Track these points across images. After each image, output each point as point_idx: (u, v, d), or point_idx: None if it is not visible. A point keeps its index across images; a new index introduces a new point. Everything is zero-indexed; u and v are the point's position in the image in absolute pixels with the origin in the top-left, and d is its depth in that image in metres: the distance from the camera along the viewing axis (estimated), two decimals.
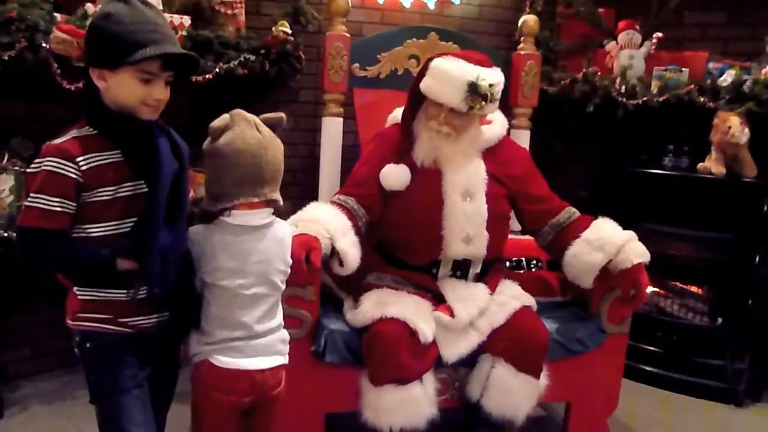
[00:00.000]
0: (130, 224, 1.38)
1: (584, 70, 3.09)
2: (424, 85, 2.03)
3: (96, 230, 1.37)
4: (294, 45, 2.90)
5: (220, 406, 1.47)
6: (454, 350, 1.98)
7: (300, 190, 3.21)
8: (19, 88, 2.41)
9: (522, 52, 2.72)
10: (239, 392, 1.47)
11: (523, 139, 2.72)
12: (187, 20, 2.66)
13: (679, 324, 2.99)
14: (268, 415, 1.56)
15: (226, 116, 1.50)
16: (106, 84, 1.36)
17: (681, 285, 3.10)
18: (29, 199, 1.33)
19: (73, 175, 1.32)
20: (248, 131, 1.47)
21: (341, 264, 1.96)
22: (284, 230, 1.57)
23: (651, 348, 2.97)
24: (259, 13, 3.16)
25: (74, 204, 1.34)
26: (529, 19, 2.72)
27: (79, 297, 1.41)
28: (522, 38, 2.75)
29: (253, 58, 2.74)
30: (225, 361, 1.46)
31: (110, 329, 1.40)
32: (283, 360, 1.56)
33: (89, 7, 2.40)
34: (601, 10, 3.30)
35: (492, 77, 1.98)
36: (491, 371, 1.99)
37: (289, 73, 2.95)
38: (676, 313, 3.05)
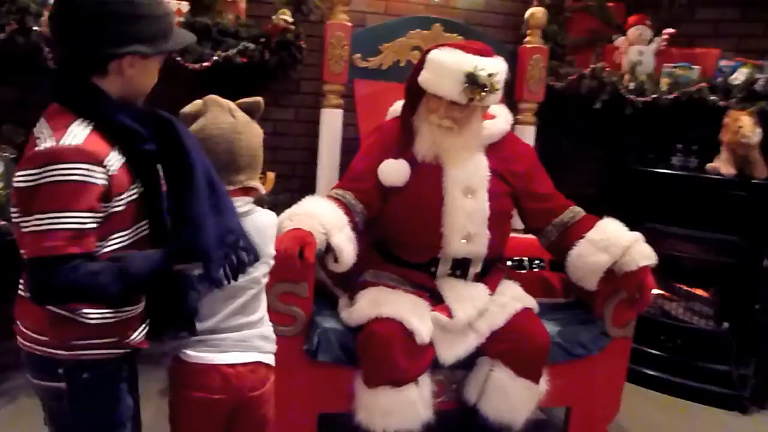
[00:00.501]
0: (145, 230, 1.23)
1: (592, 66, 3.02)
2: (422, 78, 1.96)
3: (110, 245, 1.18)
4: (295, 34, 2.83)
5: (191, 404, 1.40)
6: (451, 352, 1.92)
7: (299, 182, 3.15)
8: (10, 72, 2.36)
9: (528, 46, 2.65)
10: (209, 388, 1.39)
11: (528, 135, 2.65)
12: (185, 6, 2.60)
13: (684, 327, 2.92)
14: (255, 421, 1.47)
15: (198, 102, 1.45)
16: (132, 71, 1.18)
17: (687, 288, 3.04)
18: (62, 218, 1.07)
19: (102, 183, 1.11)
20: (221, 116, 1.41)
21: (336, 260, 1.90)
22: (266, 220, 1.49)
23: (654, 351, 2.90)
24: (261, 0, 3.09)
25: (101, 216, 1.13)
26: (536, 11, 2.65)
27: (91, 321, 1.19)
28: (528, 31, 2.67)
29: (252, 46, 2.68)
30: (193, 355, 1.39)
31: (114, 353, 1.24)
32: (263, 358, 1.47)
33: None
34: (610, 4, 3.23)
35: (491, 66, 1.91)
36: (489, 374, 1.93)
37: (289, 63, 2.89)
38: (681, 317, 2.98)
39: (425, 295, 2.02)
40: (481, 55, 1.92)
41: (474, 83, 1.87)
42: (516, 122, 2.66)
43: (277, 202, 2.63)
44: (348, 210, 1.99)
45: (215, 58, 2.56)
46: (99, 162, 1.11)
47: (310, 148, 3.14)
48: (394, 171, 2.01)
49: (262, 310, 1.50)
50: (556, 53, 3.17)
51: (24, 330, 1.22)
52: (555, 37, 3.19)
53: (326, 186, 2.40)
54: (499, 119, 2.17)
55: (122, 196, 1.17)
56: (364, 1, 3.21)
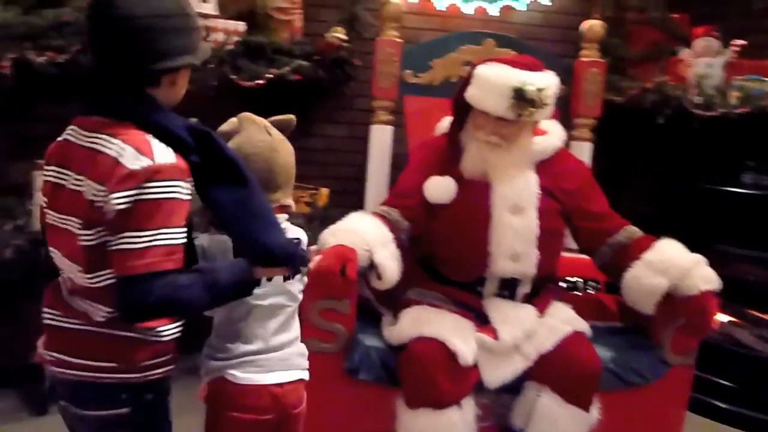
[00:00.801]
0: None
1: (655, 80, 2.90)
2: (469, 94, 1.93)
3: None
4: (348, 51, 2.86)
5: (240, 427, 1.39)
6: (496, 375, 1.86)
7: (352, 199, 3.15)
8: (74, 91, 2.46)
9: (584, 59, 2.57)
10: (260, 410, 1.38)
11: (584, 151, 2.56)
12: (242, 26, 2.66)
13: (755, 356, 2.73)
14: None
15: (233, 120, 1.44)
16: (182, 83, 1.21)
17: (757, 313, 2.84)
18: (159, 235, 1.08)
19: (188, 198, 1.13)
20: (257, 134, 1.41)
21: (379, 277, 1.87)
22: (299, 237, 1.48)
23: (722, 381, 2.72)
24: (318, 19, 3.13)
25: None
26: (593, 24, 2.56)
27: (164, 338, 1.20)
28: (585, 44, 2.59)
29: (305, 64, 2.71)
30: (242, 377, 1.37)
31: (171, 370, 1.25)
32: (303, 375, 1.47)
33: None
34: (674, 15, 3.09)
35: (540, 81, 1.85)
36: (537, 400, 1.85)
37: (343, 80, 2.92)
38: (751, 344, 2.79)
39: (470, 315, 1.96)
40: (530, 69, 1.87)
41: (521, 99, 1.82)
42: (571, 138, 2.59)
43: (329, 219, 2.65)
44: (393, 226, 1.96)
45: (268, 75, 2.61)
46: (188, 178, 1.13)
47: (362, 164, 3.14)
48: (440, 188, 1.98)
49: (297, 327, 1.50)
50: (617, 67, 3.06)
51: (80, 361, 1.18)
52: (615, 51, 3.08)
53: (375, 202, 2.39)
54: (551, 135, 2.10)
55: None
56: (420, 17, 3.21)
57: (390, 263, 1.87)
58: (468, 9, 3.15)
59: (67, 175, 1.15)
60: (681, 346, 2.01)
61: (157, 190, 1.08)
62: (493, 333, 1.89)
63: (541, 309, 1.99)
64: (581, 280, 2.33)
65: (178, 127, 1.16)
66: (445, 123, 2.17)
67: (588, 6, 3.14)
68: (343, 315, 1.88)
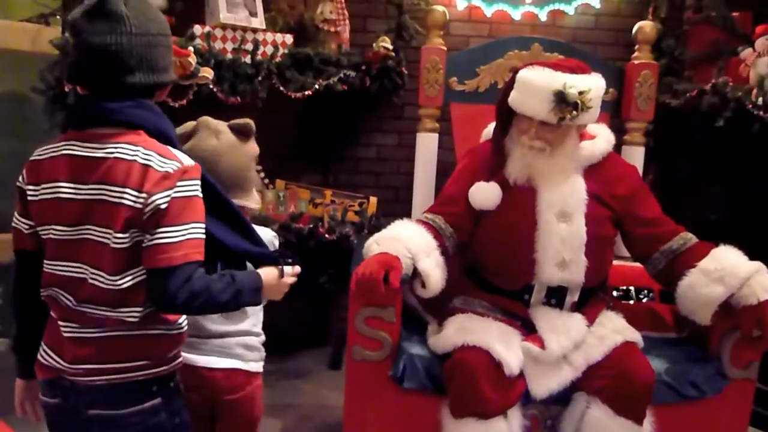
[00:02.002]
0: None
1: (714, 81, 2.78)
2: (512, 99, 1.90)
3: None
4: (396, 60, 2.87)
5: None
6: (543, 385, 1.81)
7: (402, 208, 3.16)
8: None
9: (636, 62, 2.50)
10: (184, 387, 1.40)
11: (636, 156, 2.49)
12: (289, 38, 2.72)
13: None
14: (237, 421, 1.58)
15: (190, 124, 1.52)
16: (160, 97, 1.30)
17: None
18: (191, 229, 1.18)
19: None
20: (206, 140, 1.49)
21: (424, 285, 1.86)
22: (263, 236, 1.50)
23: None
24: (365, 30, 3.17)
25: None
26: (644, 25, 2.49)
27: (182, 329, 1.33)
28: (637, 46, 2.52)
29: (352, 74, 2.74)
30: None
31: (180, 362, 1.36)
32: (243, 365, 1.58)
33: (197, 29, 2.52)
34: (735, 14, 2.97)
35: (582, 84, 1.81)
36: (586, 411, 1.80)
37: (390, 89, 2.94)
38: None
39: (517, 324, 1.92)
40: (573, 72, 1.83)
41: (563, 102, 1.79)
42: (623, 143, 2.52)
43: (378, 227, 2.66)
44: (438, 234, 1.95)
45: (316, 86, 2.65)
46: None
47: (412, 172, 3.14)
48: (485, 194, 1.96)
49: (251, 322, 1.59)
50: (673, 68, 2.97)
51: (112, 366, 1.23)
52: (672, 52, 2.99)
53: (421, 210, 2.37)
54: (599, 139, 2.05)
55: None
56: (468, 25, 3.20)
57: (434, 271, 1.86)
58: (516, 15, 3.12)
59: (79, 187, 1.19)
60: (741, 358, 1.92)
61: (188, 188, 1.18)
62: (540, 342, 1.85)
63: (591, 318, 1.93)
64: (634, 288, 2.25)
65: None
66: (489, 129, 2.15)
67: (641, 7, 3.06)
68: (388, 323, 1.87)
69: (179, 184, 1.17)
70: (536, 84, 1.83)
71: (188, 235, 1.17)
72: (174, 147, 1.23)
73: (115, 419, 1.25)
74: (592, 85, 1.83)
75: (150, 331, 1.24)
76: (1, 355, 2.04)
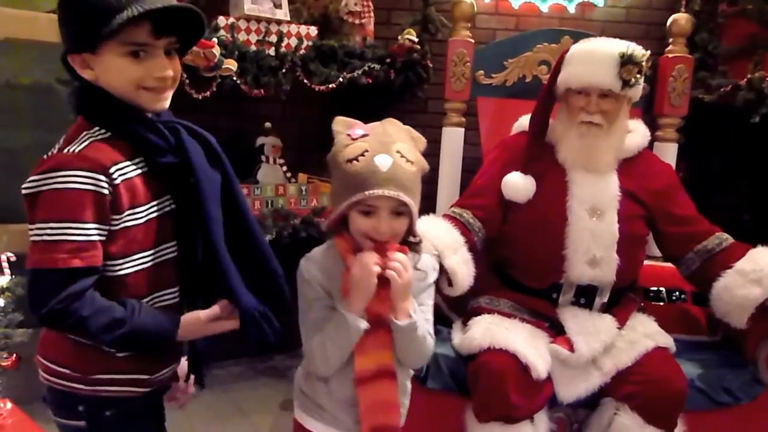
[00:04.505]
0: (169, 252, 1.14)
1: (749, 76, 2.69)
2: (566, 76, 1.89)
3: (129, 266, 1.09)
4: (421, 54, 2.83)
5: None
6: (571, 390, 1.76)
7: (426, 203, 3.11)
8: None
9: (670, 55, 2.42)
10: None
11: (669, 152, 2.41)
12: (313, 30, 2.68)
13: None
14: None
15: None
16: (93, 73, 1.07)
17: None
18: (48, 231, 1.00)
19: (106, 192, 1.03)
20: None
21: (450, 284, 1.82)
22: None
23: None
24: (390, 22, 3.12)
25: (107, 231, 1.05)
26: (679, 18, 2.41)
27: (119, 353, 1.11)
28: (671, 39, 2.44)
29: (377, 67, 2.70)
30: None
31: (138, 391, 1.15)
32: None
33: (221, 20, 2.49)
34: None
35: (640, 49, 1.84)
36: (614, 418, 1.74)
37: (415, 83, 2.89)
38: None
39: (544, 325, 1.87)
40: None
41: (630, 62, 1.79)
42: (655, 139, 2.45)
43: None
44: (465, 229, 1.91)
45: (340, 79, 2.61)
46: (102, 169, 1.03)
47: (436, 167, 3.10)
48: (520, 186, 1.91)
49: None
50: (707, 63, 2.88)
51: (45, 362, 1.14)
52: (705, 46, 2.90)
53: (445, 206, 2.33)
54: (635, 134, 1.99)
55: (137, 210, 1.09)
56: (494, 17, 3.14)
57: (461, 268, 1.81)
58: (544, 7, 3.06)
59: None
60: None
61: (58, 180, 1.03)
62: (569, 345, 1.80)
63: (621, 320, 1.87)
64: (665, 289, 2.18)
65: (137, 126, 1.14)
66: (522, 121, 2.10)
67: (673, 0, 2.98)
68: None
69: (49, 176, 1.01)
70: (599, 50, 1.85)
71: (61, 236, 1.00)
72: (120, 133, 1.08)
73: (57, 424, 1.18)
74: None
75: (43, 325, 1.10)
76: (24, 345, 2.03)
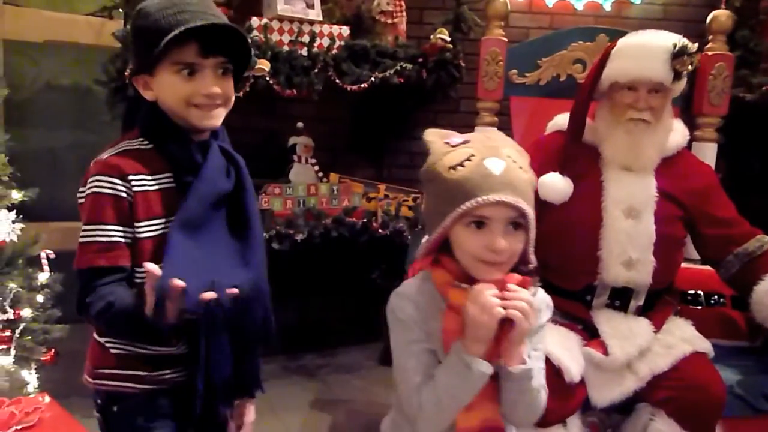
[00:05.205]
0: None
1: None
2: (613, 70, 1.85)
3: (141, 276, 1.10)
4: (453, 53, 2.82)
5: None
6: (605, 394, 1.73)
7: None
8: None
9: (710, 53, 2.36)
10: None
11: (708, 153, 2.35)
12: (346, 30, 2.70)
13: None
14: None
15: None
16: (153, 94, 1.16)
17: None
18: (82, 234, 1.10)
19: (125, 196, 1.10)
20: None
21: None
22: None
23: None
24: (422, 21, 3.12)
25: (132, 233, 1.11)
26: (719, 14, 2.35)
27: (112, 349, 1.17)
28: (711, 37, 2.38)
29: (409, 66, 2.70)
30: None
31: (140, 388, 1.17)
32: None
33: (254, 21, 2.51)
34: None
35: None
36: (650, 424, 1.70)
37: (447, 82, 2.88)
38: None
39: (577, 327, 1.84)
40: None
41: (682, 53, 1.77)
42: (694, 139, 2.39)
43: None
44: None
45: (372, 79, 2.61)
46: (122, 175, 1.10)
47: None
48: (558, 186, 1.86)
49: None
50: (748, 61, 2.81)
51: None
52: (747, 43, 2.83)
53: None
54: (675, 133, 1.95)
55: (152, 223, 1.13)
56: (528, 16, 3.11)
57: None
58: (579, 5, 3.02)
59: None
60: None
61: (92, 185, 1.13)
62: (603, 348, 1.77)
63: (658, 324, 1.83)
64: (704, 293, 2.13)
65: (172, 143, 1.20)
66: (558, 120, 2.06)
67: None
68: None
69: (89, 181, 1.12)
70: (650, 43, 1.82)
71: (91, 237, 1.09)
72: (152, 141, 1.16)
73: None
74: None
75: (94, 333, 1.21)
76: (62, 341, 2.08)
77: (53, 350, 2.05)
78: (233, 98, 1.20)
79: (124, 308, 1.06)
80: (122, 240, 1.10)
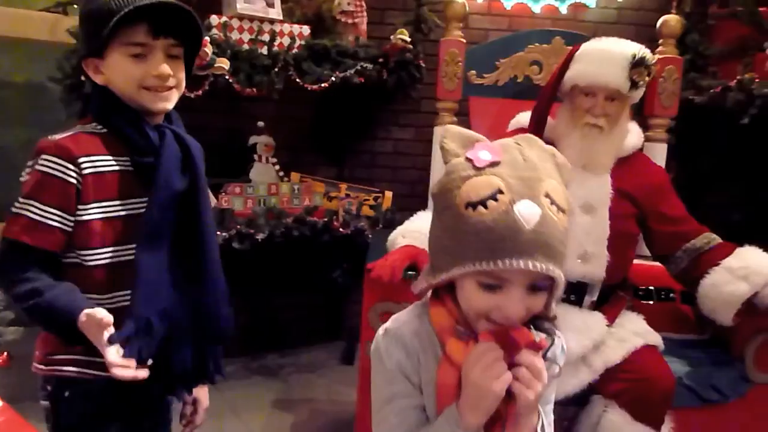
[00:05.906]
0: (130, 254, 1.12)
1: (739, 77, 2.71)
2: (575, 73, 1.90)
3: (90, 259, 1.11)
4: (413, 53, 2.84)
5: None
6: (560, 387, 1.76)
7: (419, 202, 3.13)
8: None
9: (660, 56, 2.43)
10: None
11: (659, 153, 2.43)
12: (306, 30, 2.70)
13: None
14: None
15: None
16: (104, 77, 1.13)
17: None
18: (16, 204, 1.09)
19: (73, 181, 1.08)
20: None
21: None
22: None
23: None
24: (383, 22, 3.14)
25: (72, 219, 1.09)
26: (669, 19, 2.43)
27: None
28: (661, 40, 2.46)
29: (369, 66, 2.71)
30: None
31: (93, 374, 1.13)
32: None
33: (213, 19, 2.50)
34: (762, 9, 2.89)
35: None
36: (603, 415, 1.76)
37: (408, 82, 2.90)
38: None
39: None
40: None
41: (640, 64, 1.82)
42: (646, 139, 2.46)
43: (394, 221, 2.63)
44: None
45: (333, 78, 2.62)
46: (71, 158, 1.08)
47: (428, 167, 3.11)
48: None
49: None
50: (697, 64, 2.91)
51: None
52: (696, 47, 2.93)
53: None
54: (631, 134, 2.01)
55: (103, 205, 1.11)
56: (486, 18, 3.16)
57: None
58: (536, 8, 3.08)
59: None
60: (765, 361, 1.87)
61: (32, 164, 1.12)
62: None
63: (611, 318, 1.88)
64: (654, 288, 2.20)
65: (125, 124, 1.18)
66: (520, 118, 2.11)
67: (664, 1, 3.01)
68: None
69: (32, 161, 1.10)
70: (613, 50, 1.86)
71: (20, 210, 1.08)
72: (106, 124, 1.15)
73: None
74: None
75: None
76: (16, 343, 2.04)
77: (6, 353, 2.01)
78: (184, 82, 1.18)
79: (55, 306, 1.03)
80: (55, 224, 1.08)
